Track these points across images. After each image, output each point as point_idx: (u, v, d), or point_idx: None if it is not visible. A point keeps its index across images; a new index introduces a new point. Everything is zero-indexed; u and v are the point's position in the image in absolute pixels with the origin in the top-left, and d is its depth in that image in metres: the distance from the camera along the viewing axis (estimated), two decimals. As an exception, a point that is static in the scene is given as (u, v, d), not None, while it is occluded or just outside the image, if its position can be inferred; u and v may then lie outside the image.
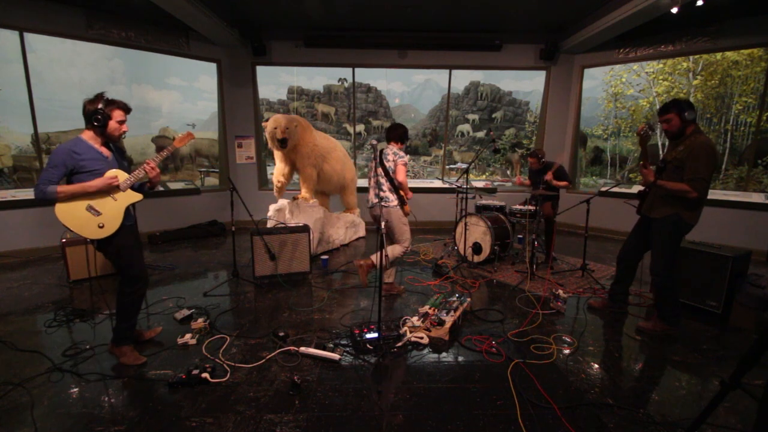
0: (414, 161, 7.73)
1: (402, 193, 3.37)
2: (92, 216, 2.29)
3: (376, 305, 2.61)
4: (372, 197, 3.43)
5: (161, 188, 6.10)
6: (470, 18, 5.89)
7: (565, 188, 4.56)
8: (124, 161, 2.52)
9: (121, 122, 2.39)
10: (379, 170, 3.32)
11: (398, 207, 3.36)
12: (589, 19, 5.52)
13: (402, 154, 3.33)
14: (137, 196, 2.47)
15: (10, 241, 4.76)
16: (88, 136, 2.34)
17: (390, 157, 3.34)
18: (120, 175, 2.37)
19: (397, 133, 3.41)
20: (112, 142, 2.43)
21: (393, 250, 3.45)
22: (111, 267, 4.21)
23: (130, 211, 2.46)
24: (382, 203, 3.35)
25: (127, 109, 2.42)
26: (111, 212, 2.35)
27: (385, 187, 3.34)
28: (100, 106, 2.30)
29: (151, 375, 2.35)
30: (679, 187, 2.65)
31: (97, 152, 2.34)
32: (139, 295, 2.49)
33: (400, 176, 3.29)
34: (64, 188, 2.22)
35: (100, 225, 2.30)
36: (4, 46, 4.71)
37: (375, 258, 3.50)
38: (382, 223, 2.64)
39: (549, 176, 4.45)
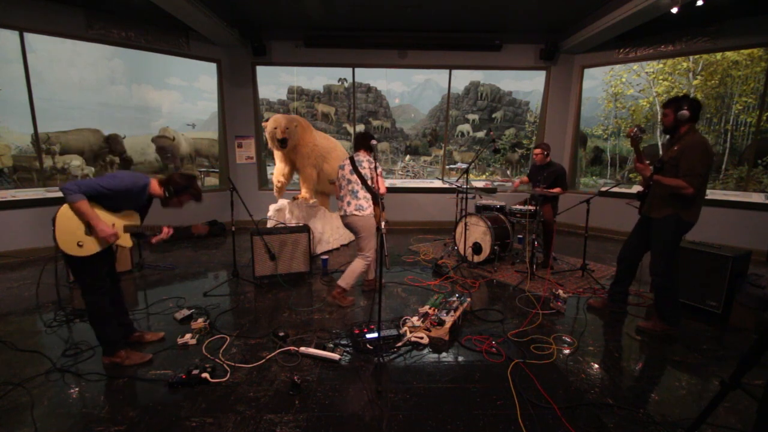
0: (414, 161, 7.73)
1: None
2: (82, 234, 2.29)
3: (376, 305, 2.60)
4: (345, 207, 3.33)
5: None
6: (470, 18, 5.88)
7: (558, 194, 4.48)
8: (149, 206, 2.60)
9: (181, 204, 2.56)
10: (354, 177, 3.27)
11: (372, 216, 3.30)
12: (589, 19, 5.52)
13: (377, 163, 3.17)
14: (128, 243, 2.50)
15: (10, 241, 4.76)
16: (155, 189, 2.45)
17: (365, 164, 3.28)
18: (134, 219, 2.46)
19: (368, 143, 3.23)
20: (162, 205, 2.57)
21: (355, 266, 3.34)
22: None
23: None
24: (356, 212, 3.26)
25: (197, 200, 2.61)
26: (96, 241, 2.33)
27: (360, 196, 3.27)
28: (186, 186, 2.48)
29: (151, 375, 2.35)
30: (675, 182, 2.66)
31: (144, 201, 2.48)
32: (101, 304, 2.40)
33: (384, 188, 3.23)
34: (85, 207, 2.22)
35: (80, 243, 2.29)
36: (4, 46, 4.71)
37: (343, 281, 3.33)
38: (382, 223, 2.64)
39: (557, 191, 4.37)
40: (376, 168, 3.13)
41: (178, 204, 2.55)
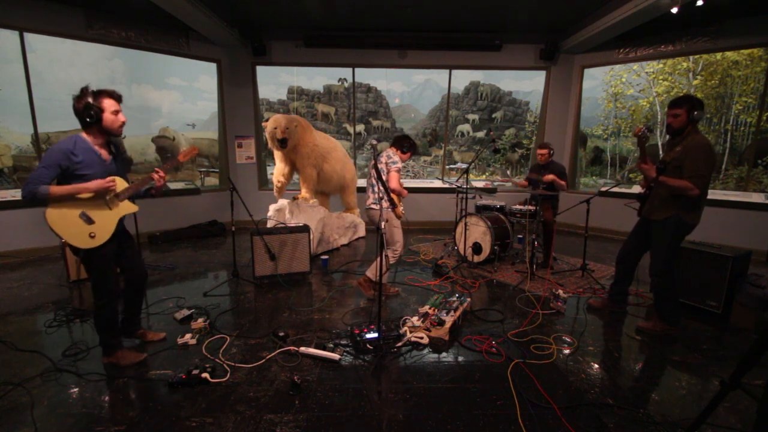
0: (414, 161, 7.73)
1: (394, 196, 3.32)
2: (84, 224, 2.17)
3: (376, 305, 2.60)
4: (366, 200, 3.47)
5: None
6: (470, 18, 5.88)
7: (561, 189, 4.45)
8: (125, 165, 2.41)
9: (116, 112, 2.20)
10: (372, 171, 3.29)
11: (388, 210, 3.32)
12: (589, 19, 5.51)
13: (396, 159, 3.31)
14: (133, 208, 2.39)
15: (10, 241, 4.76)
16: (88, 136, 2.20)
17: (383, 159, 3.33)
18: (119, 184, 2.28)
19: (401, 142, 3.42)
20: (114, 136, 2.28)
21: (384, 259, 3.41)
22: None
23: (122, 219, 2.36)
24: (372, 205, 3.36)
25: (116, 97, 2.22)
26: (104, 222, 2.23)
27: (375, 189, 3.33)
28: (88, 100, 2.12)
29: (151, 375, 2.35)
30: (680, 183, 2.65)
31: (96, 154, 2.20)
32: (111, 308, 2.36)
33: (393, 183, 3.26)
34: (56, 189, 2.08)
35: (92, 234, 2.18)
36: (4, 46, 4.71)
37: (369, 272, 3.48)
38: (383, 224, 2.64)
39: (550, 177, 4.39)
40: (377, 163, 3.12)
41: (113, 119, 2.19)
